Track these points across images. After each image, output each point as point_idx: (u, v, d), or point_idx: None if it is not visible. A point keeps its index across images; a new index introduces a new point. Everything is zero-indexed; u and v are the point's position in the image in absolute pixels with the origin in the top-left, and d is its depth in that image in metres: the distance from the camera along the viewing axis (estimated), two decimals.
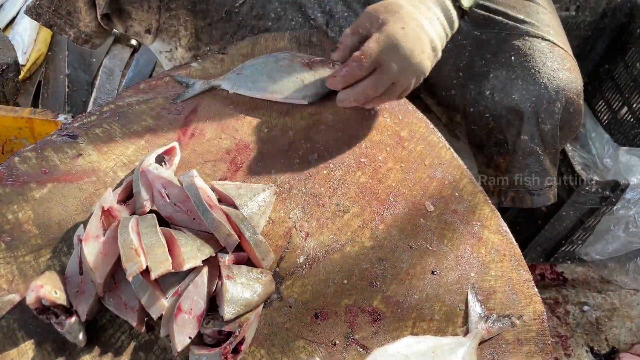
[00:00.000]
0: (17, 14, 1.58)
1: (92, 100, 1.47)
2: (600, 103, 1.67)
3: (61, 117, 0.95)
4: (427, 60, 0.73)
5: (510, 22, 0.90)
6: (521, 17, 0.91)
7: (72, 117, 0.98)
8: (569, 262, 1.37)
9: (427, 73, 0.74)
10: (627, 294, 1.32)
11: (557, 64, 0.88)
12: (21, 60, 1.46)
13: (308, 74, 0.81)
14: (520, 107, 0.87)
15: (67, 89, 1.47)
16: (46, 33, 1.55)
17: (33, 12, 1.01)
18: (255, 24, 0.97)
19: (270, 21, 0.98)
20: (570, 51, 0.92)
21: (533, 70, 0.86)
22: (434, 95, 1.01)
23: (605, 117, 1.65)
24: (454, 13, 0.77)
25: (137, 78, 1.54)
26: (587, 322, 1.27)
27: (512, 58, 0.88)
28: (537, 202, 0.94)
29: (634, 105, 1.53)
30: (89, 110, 1.42)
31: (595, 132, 1.59)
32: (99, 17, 1.00)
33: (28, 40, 1.49)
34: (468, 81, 0.93)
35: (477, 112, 0.91)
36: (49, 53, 1.55)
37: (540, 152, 0.91)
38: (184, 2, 0.99)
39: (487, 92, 0.89)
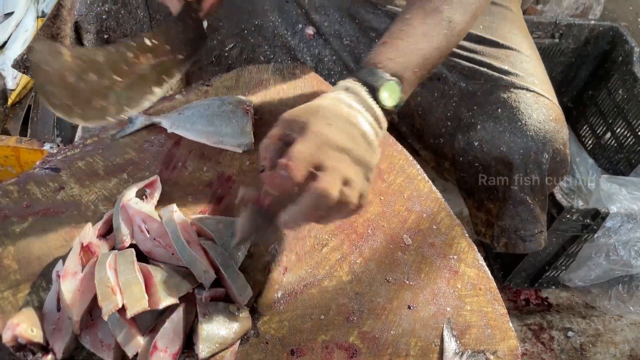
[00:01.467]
0: (8, 39, 1.60)
1: (81, 125, 1.47)
2: (584, 128, 1.70)
3: (47, 146, 0.96)
4: (368, 151, 0.59)
5: (495, 73, 0.92)
6: (505, 67, 0.93)
7: (58, 145, 0.99)
8: (553, 287, 1.37)
9: (373, 167, 0.59)
10: (612, 320, 1.32)
11: (543, 115, 0.89)
12: (11, 85, 1.47)
13: (249, 122, 0.80)
14: (509, 158, 0.89)
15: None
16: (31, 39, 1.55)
17: (20, 65, 1.01)
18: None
19: (260, 64, 1.00)
20: (554, 98, 0.94)
21: (520, 123, 0.88)
22: (420, 140, 1.03)
23: (589, 142, 1.67)
24: (378, 110, 0.62)
25: None
26: (571, 347, 1.27)
27: (499, 110, 0.89)
28: (529, 248, 0.96)
29: (617, 131, 1.56)
30: (77, 134, 1.43)
31: (579, 157, 1.61)
32: None
33: None
34: (456, 130, 0.94)
35: (467, 162, 0.93)
36: None
37: (530, 201, 0.92)
38: None
39: (476, 143, 0.91)
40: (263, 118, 0.85)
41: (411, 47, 0.66)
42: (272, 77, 0.92)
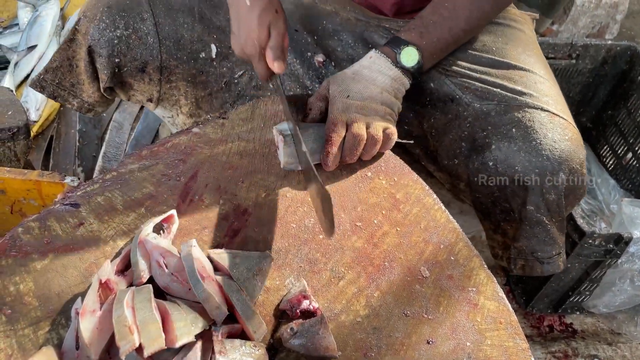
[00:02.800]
0: (32, 71, 1.64)
1: (101, 154, 1.50)
2: (605, 148, 1.68)
3: (68, 180, 0.98)
4: (386, 101, 0.86)
5: (509, 93, 0.92)
6: (519, 88, 0.92)
7: (78, 178, 1.01)
8: (577, 312, 1.34)
9: (390, 111, 0.87)
10: (639, 346, 1.29)
11: (559, 134, 0.89)
12: (34, 117, 1.51)
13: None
14: (524, 179, 0.88)
15: (77, 144, 1.52)
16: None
17: (37, 85, 1.05)
18: (254, 94, 1.01)
19: (269, 91, 1.02)
20: (571, 119, 0.93)
21: (535, 143, 0.87)
22: (435, 162, 1.02)
23: (610, 163, 1.65)
24: (395, 71, 0.88)
25: (145, 131, 1.57)
26: None
27: (513, 130, 0.89)
28: (547, 270, 0.94)
29: (639, 151, 1.53)
30: (97, 164, 1.46)
31: (600, 178, 1.59)
32: (101, 89, 1.04)
33: (41, 97, 1.54)
34: (471, 152, 0.94)
35: (482, 183, 0.92)
36: (61, 109, 1.60)
37: (546, 222, 0.91)
38: (184, 74, 1.04)
39: (491, 163, 0.90)
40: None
41: (432, 22, 0.90)
42: (287, 108, 0.93)
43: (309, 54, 1.03)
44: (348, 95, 0.85)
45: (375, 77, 0.88)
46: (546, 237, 0.92)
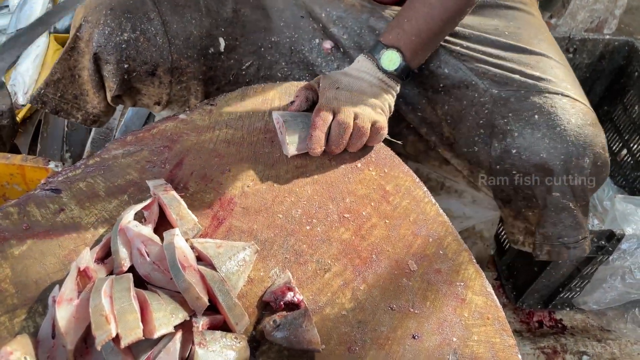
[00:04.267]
0: (20, 55, 1.61)
1: (90, 140, 1.48)
2: None
3: (52, 164, 0.96)
4: (374, 96, 0.86)
5: (528, 79, 0.91)
6: (537, 74, 0.91)
7: (63, 163, 0.98)
8: (567, 309, 1.34)
9: (380, 105, 0.86)
10: (628, 344, 1.28)
11: (581, 119, 0.88)
12: (22, 101, 1.48)
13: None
14: (550, 165, 0.87)
15: (66, 129, 1.49)
16: (47, 74, 1.57)
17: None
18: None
19: (277, 80, 0.99)
20: (589, 104, 0.93)
21: (559, 129, 0.87)
22: (452, 148, 1.01)
23: None
24: (380, 74, 0.89)
25: (135, 118, 1.55)
26: None
27: (536, 116, 0.88)
28: (573, 255, 0.94)
29: (634, 147, 1.52)
30: (86, 150, 1.44)
31: None
32: (109, 98, 0.99)
33: (29, 80, 1.52)
34: (491, 138, 0.93)
35: (504, 170, 0.91)
36: None
37: (572, 207, 0.91)
38: (195, 73, 0.99)
39: (514, 151, 0.89)
40: (267, 137, 0.84)
41: (407, 20, 0.89)
42: (278, 95, 0.91)
43: (317, 40, 1.01)
44: (338, 87, 0.84)
45: (363, 76, 0.88)
46: (572, 222, 0.92)
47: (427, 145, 1.06)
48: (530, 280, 1.27)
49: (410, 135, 1.06)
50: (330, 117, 0.80)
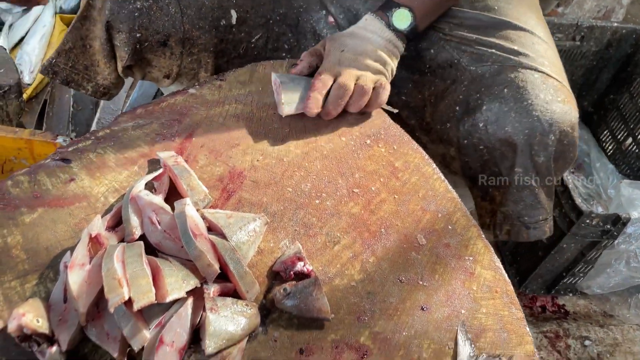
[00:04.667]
0: (26, 34, 1.61)
1: (95, 120, 1.48)
2: (605, 133, 1.67)
3: (60, 139, 0.96)
4: (377, 59, 0.86)
5: (503, 53, 0.90)
6: (515, 48, 0.91)
7: (71, 139, 0.98)
8: (570, 294, 1.34)
9: (383, 68, 0.86)
10: (630, 329, 1.29)
11: (551, 95, 0.87)
12: (28, 80, 1.48)
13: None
14: (514, 140, 0.86)
15: (71, 109, 1.49)
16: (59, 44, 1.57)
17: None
18: (270, 56, 0.98)
19: (284, 52, 0.99)
20: (565, 82, 0.92)
21: (526, 103, 0.86)
22: (429, 133, 1.01)
23: (610, 147, 1.64)
24: (389, 33, 0.88)
25: (141, 98, 1.55)
26: (588, 357, 1.24)
27: (505, 90, 0.87)
28: (532, 236, 0.93)
29: (639, 136, 1.52)
30: (91, 130, 1.43)
31: (599, 162, 1.58)
32: (119, 69, 0.99)
33: (35, 60, 1.52)
34: (463, 115, 0.93)
35: (471, 144, 0.91)
36: None
37: (534, 185, 0.90)
38: (206, 45, 0.99)
39: (481, 124, 0.89)
40: (276, 113, 0.84)
41: None
42: (287, 72, 0.91)
43: (323, 12, 1.01)
44: (342, 50, 0.85)
45: (370, 37, 0.88)
46: (533, 201, 0.91)
47: (407, 129, 1.06)
48: (534, 266, 1.28)
49: (392, 118, 1.06)
50: (331, 81, 0.81)
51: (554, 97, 0.87)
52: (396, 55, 0.90)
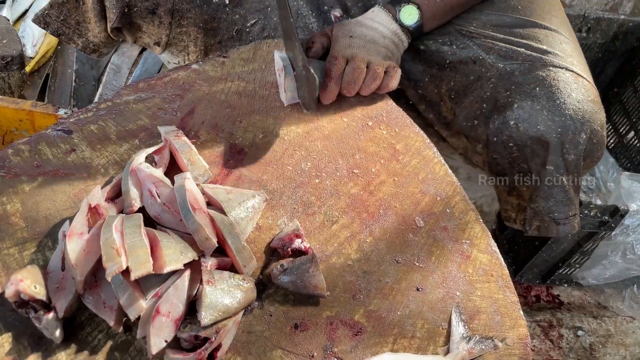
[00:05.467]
0: (30, 7, 1.60)
1: (97, 95, 1.47)
2: (607, 126, 1.66)
3: (62, 112, 0.96)
4: (386, 46, 0.88)
5: (533, 53, 0.91)
6: (544, 47, 0.91)
7: (73, 112, 0.98)
8: (565, 285, 1.35)
9: (391, 55, 0.89)
10: (623, 321, 1.30)
11: (582, 95, 0.87)
12: (30, 53, 1.48)
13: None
14: (546, 138, 0.86)
15: (74, 84, 1.48)
16: None
17: (41, 20, 1.01)
18: None
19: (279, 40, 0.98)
20: (592, 81, 0.92)
21: (558, 102, 0.86)
22: (448, 127, 1.01)
23: (611, 141, 1.63)
24: (394, 26, 0.89)
25: (144, 76, 1.54)
26: (580, 347, 1.25)
27: (537, 89, 0.88)
28: (562, 231, 0.94)
29: None
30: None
31: None
32: (109, 29, 1.00)
33: (39, 33, 1.51)
34: (492, 112, 0.93)
35: (501, 142, 0.91)
36: (59, 47, 1.56)
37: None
38: (195, 20, 1.00)
39: (512, 122, 0.89)
40: (278, 92, 0.84)
41: None
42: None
43: (326, 7, 1.00)
44: (351, 36, 0.85)
45: (377, 26, 0.89)
46: (563, 198, 0.91)
47: (425, 122, 1.06)
48: (530, 255, 1.28)
49: (408, 112, 1.06)
50: (344, 65, 0.81)
51: (585, 97, 0.88)
52: (400, 49, 0.91)
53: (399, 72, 0.84)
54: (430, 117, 1.04)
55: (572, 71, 0.89)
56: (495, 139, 0.92)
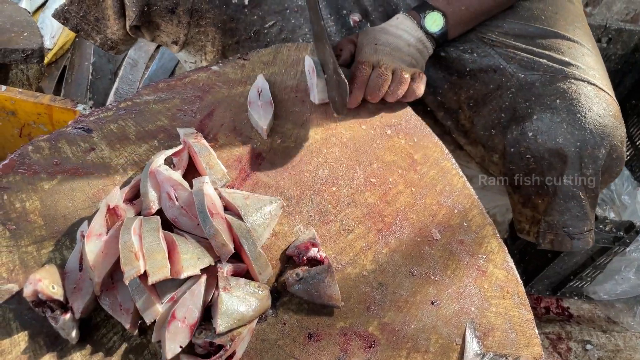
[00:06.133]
0: None
1: (113, 89, 1.48)
2: None
3: (80, 107, 0.96)
4: (410, 53, 0.88)
5: (555, 64, 0.90)
6: (566, 59, 0.90)
7: (91, 107, 0.99)
8: (575, 298, 1.34)
9: (416, 63, 0.88)
10: (633, 337, 1.29)
11: (603, 109, 0.86)
12: (48, 45, 1.48)
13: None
14: (565, 151, 0.85)
15: (90, 77, 1.49)
16: None
17: (61, 16, 1.01)
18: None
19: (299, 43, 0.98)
20: (614, 96, 0.91)
21: (579, 115, 0.85)
22: (466, 135, 1.01)
23: (627, 153, 1.62)
24: (419, 33, 0.89)
25: (160, 71, 1.54)
26: None
27: (558, 101, 0.87)
28: (576, 246, 0.92)
29: None
30: (109, 99, 1.44)
31: None
32: (127, 27, 1.00)
33: (57, 25, 1.51)
34: (510, 122, 0.92)
35: (518, 153, 0.90)
36: (77, 39, 1.57)
37: (581, 197, 0.89)
38: (214, 20, 1.00)
39: (530, 134, 0.88)
40: (297, 97, 0.84)
41: None
42: (311, 55, 0.90)
43: (345, 11, 1.00)
44: (376, 43, 0.85)
45: (401, 34, 0.88)
46: (579, 213, 0.90)
47: (443, 129, 1.05)
48: (542, 267, 1.27)
49: (426, 119, 1.05)
50: (370, 71, 0.81)
51: (607, 111, 0.86)
52: (425, 56, 0.91)
53: (424, 78, 0.84)
54: (448, 124, 1.03)
55: (593, 84, 0.88)
56: (512, 149, 0.92)
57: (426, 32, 0.89)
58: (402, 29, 0.88)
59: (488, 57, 0.94)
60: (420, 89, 0.84)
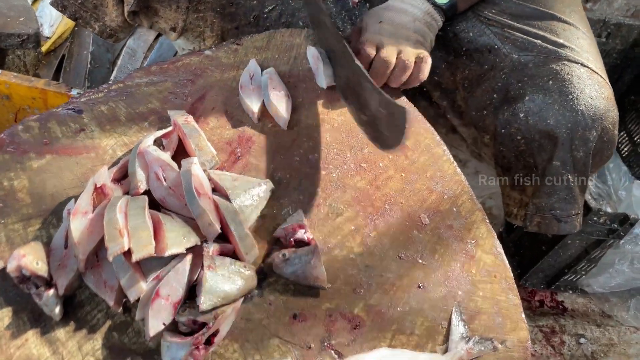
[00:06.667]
0: None
1: (112, 78, 1.48)
2: (622, 134, 1.64)
3: (74, 92, 0.96)
4: (417, 31, 0.86)
5: (549, 45, 0.89)
6: (560, 41, 0.89)
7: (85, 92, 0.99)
8: (570, 291, 1.33)
9: (423, 40, 0.86)
10: (627, 331, 1.28)
11: (596, 91, 0.86)
12: (47, 33, 1.48)
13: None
14: (555, 133, 0.85)
15: (89, 65, 1.49)
16: None
17: (59, 3, 1.01)
18: None
19: (295, 28, 0.98)
20: (607, 79, 0.90)
21: (571, 96, 0.84)
22: (461, 117, 1.00)
23: (625, 149, 1.61)
24: (426, 6, 0.88)
25: (158, 61, 1.54)
26: (582, 354, 1.24)
27: (550, 82, 0.86)
28: (563, 229, 0.92)
29: None
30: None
31: (613, 163, 1.55)
32: (125, 13, 1.00)
33: (56, 13, 1.51)
34: (502, 103, 0.91)
35: (509, 134, 0.89)
36: (76, 28, 1.57)
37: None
38: (213, 4, 0.99)
39: (522, 115, 0.87)
40: (290, 82, 0.84)
41: None
42: (304, 42, 0.90)
43: None
44: (380, 22, 0.84)
45: (407, 8, 0.87)
46: (567, 195, 0.90)
47: (437, 111, 1.04)
48: (536, 260, 1.27)
49: (422, 100, 1.05)
50: (373, 53, 0.81)
51: (599, 94, 0.86)
52: (434, 28, 0.90)
53: (429, 62, 0.83)
54: (444, 104, 1.02)
55: (587, 67, 0.88)
56: (503, 130, 0.91)
57: (434, 4, 0.88)
58: (407, 3, 0.87)
59: (483, 36, 0.94)
60: (425, 72, 0.83)
